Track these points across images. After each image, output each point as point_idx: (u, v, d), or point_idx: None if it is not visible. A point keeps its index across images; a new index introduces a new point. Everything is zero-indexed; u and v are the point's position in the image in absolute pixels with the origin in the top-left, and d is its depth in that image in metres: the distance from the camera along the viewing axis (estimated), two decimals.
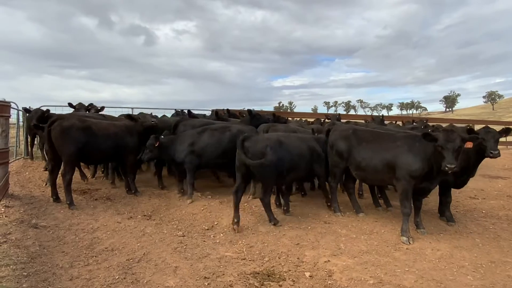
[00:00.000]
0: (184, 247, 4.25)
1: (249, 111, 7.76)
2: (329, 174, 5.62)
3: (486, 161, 5.22)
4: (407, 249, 4.27)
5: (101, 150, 5.99)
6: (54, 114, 7.67)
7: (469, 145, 4.36)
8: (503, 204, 6.50)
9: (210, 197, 6.38)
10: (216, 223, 5.16)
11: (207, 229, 4.96)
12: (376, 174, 4.96)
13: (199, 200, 6.11)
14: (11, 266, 3.46)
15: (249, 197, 6.14)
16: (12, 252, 3.78)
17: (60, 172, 5.68)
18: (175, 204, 6.04)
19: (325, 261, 3.88)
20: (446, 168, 4.11)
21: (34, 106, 8.80)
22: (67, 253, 4.00)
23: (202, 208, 5.72)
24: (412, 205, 4.72)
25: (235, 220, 4.82)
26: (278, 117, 8.29)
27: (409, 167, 4.54)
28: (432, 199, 6.21)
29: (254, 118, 7.46)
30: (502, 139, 14.49)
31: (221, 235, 4.75)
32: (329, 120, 10.21)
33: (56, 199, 5.72)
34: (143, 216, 5.47)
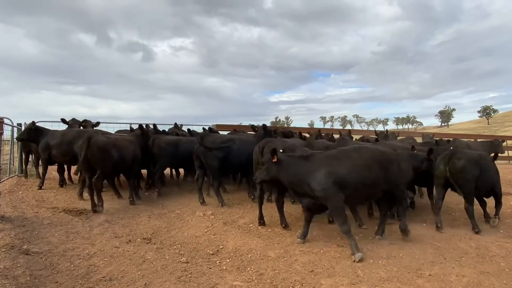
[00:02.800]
0: (189, 275, 3.91)
1: (264, 126, 7.69)
2: None
3: None
4: (429, 275, 3.96)
5: (121, 164, 6.59)
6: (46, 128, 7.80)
7: None
8: None
9: (213, 217, 6.06)
10: (221, 247, 4.83)
11: (212, 254, 4.63)
12: None
13: (202, 221, 5.79)
14: None
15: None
16: None
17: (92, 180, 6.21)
18: (176, 226, 5.71)
19: None
20: None
21: (29, 121, 8.50)
22: (61, 283, 3.65)
23: (206, 230, 5.40)
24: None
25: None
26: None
27: None
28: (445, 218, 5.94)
29: (267, 133, 7.48)
30: (504, 154, 14.27)
31: (228, 260, 4.42)
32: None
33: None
34: (142, 240, 5.12)
